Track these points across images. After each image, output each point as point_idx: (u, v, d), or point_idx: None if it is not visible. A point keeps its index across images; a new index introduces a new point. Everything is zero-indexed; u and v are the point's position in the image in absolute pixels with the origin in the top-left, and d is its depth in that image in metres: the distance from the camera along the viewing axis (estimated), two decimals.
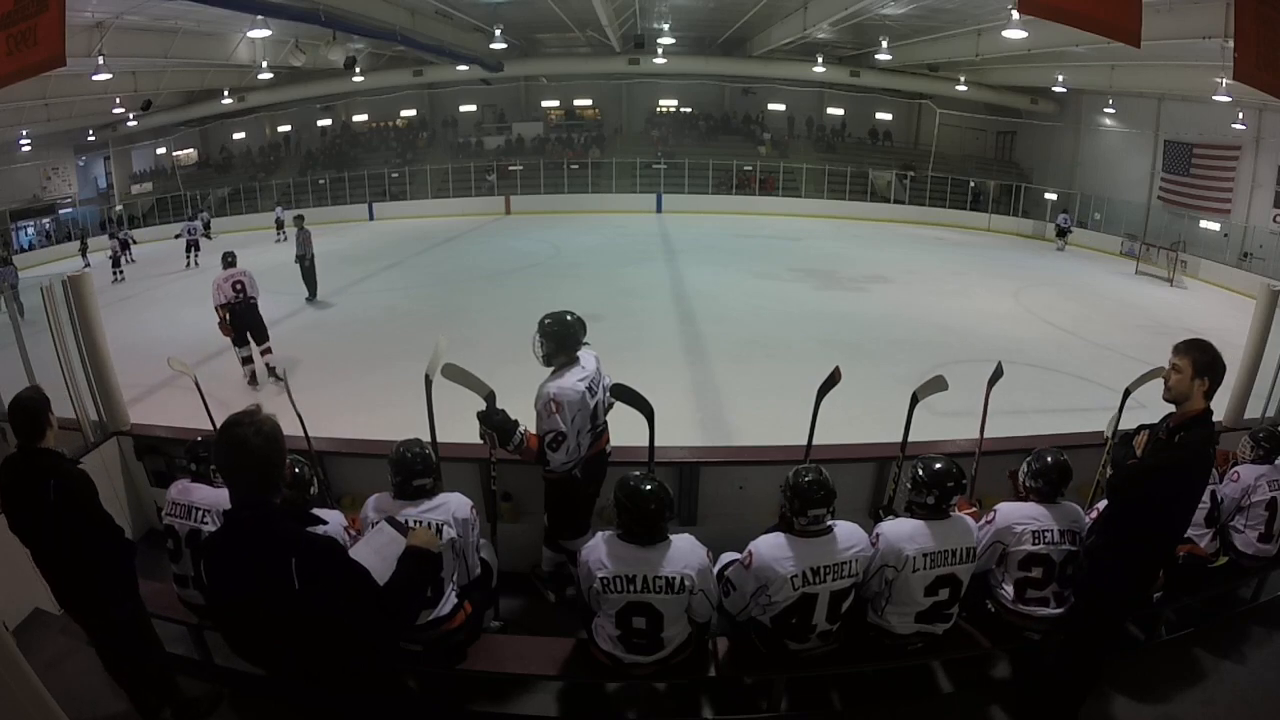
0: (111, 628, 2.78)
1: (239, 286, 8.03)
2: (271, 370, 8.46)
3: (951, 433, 4.23)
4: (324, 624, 1.77)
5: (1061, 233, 20.46)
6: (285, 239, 19.30)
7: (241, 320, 8.07)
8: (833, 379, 3.35)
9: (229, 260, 8.28)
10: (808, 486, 2.59)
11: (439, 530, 2.71)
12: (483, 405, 3.15)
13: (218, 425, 3.56)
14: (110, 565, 2.71)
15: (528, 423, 3.24)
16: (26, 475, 2.58)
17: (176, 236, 18.82)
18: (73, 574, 2.68)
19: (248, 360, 8.31)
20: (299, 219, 13.51)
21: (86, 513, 2.64)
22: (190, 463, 3.12)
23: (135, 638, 2.85)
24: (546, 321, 3.24)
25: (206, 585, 1.85)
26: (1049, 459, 2.93)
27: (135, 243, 19.61)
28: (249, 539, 1.76)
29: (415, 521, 2.71)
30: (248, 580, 1.75)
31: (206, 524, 2.93)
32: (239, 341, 8.19)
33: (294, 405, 3.61)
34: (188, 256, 17.73)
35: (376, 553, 1.96)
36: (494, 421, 3.12)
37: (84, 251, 19.34)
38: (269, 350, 8.47)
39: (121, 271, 17.03)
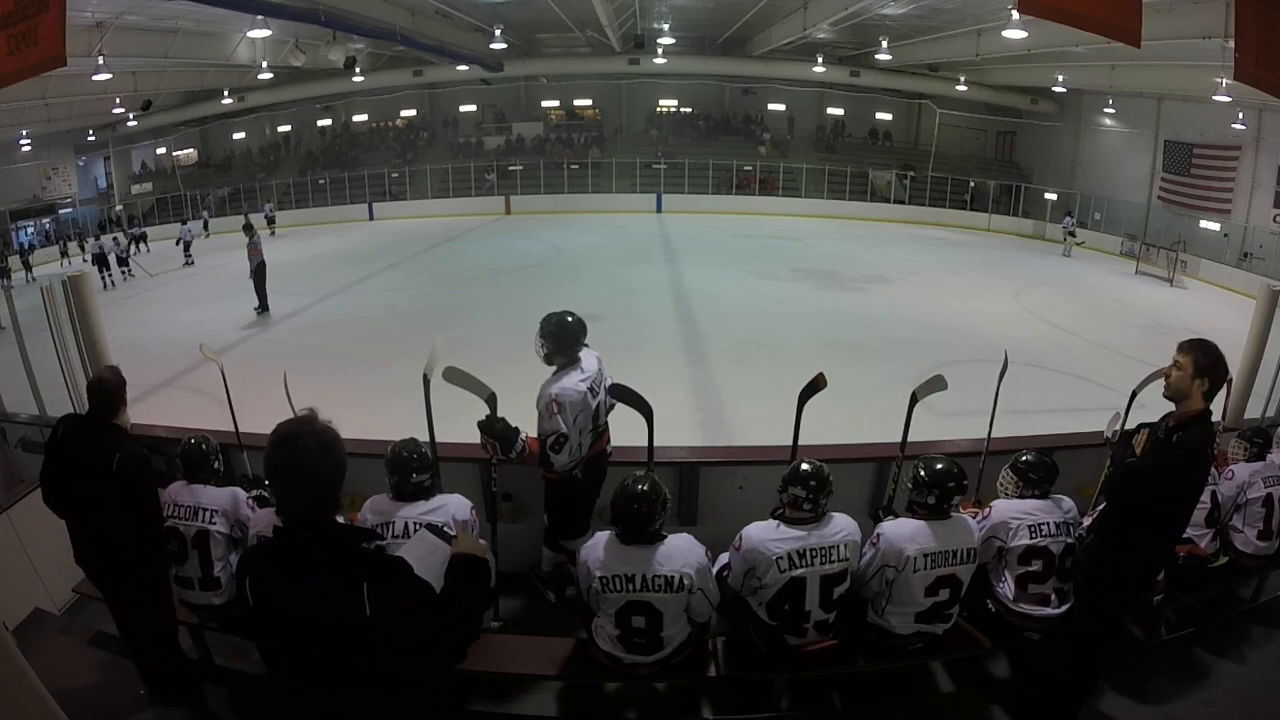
0: (137, 592, 2.86)
1: (103, 247, 17.38)
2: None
3: (952, 433, 4.23)
4: (389, 642, 1.67)
5: (1070, 235, 19.56)
6: (191, 262, 18.79)
7: (101, 263, 16.84)
8: (816, 384, 3.32)
9: (97, 235, 19.47)
10: (808, 475, 2.65)
11: (470, 532, 2.71)
12: (484, 411, 3.14)
13: (237, 419, 3.60)
14: (146, 541, 2.81)
15: (529, 425, 3.24)
16: (93, 444, 2.71)
17: (178, 242, 19.49)
18: (112, 543, 2.77)
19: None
20: (248, 227, 13.43)
21: (141, 492, 2.77)
22: (183, 466, 3.06)
23: (157, 604, 2.91)
24: (547, 321, 3.23)
25: (250, 604, 1.68)
26: (1030, 457, 3.01)
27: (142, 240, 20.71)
28: (312, 558, 1.64)
29: (415, 524, 2.70)
30: (309, 602, 1.62)
31: (216, 525, 2.93)
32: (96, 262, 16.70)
33: (292, 406, 3.59)
34: (186, 255, 19.03)
35: (420, 562, 1.82)
36: (495, 431, 3.10)
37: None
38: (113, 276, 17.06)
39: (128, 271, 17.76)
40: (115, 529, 2.72)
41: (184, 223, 20.59)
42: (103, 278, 16.43)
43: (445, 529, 2.70)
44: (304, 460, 1.62)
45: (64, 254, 20.52)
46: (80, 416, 2.84)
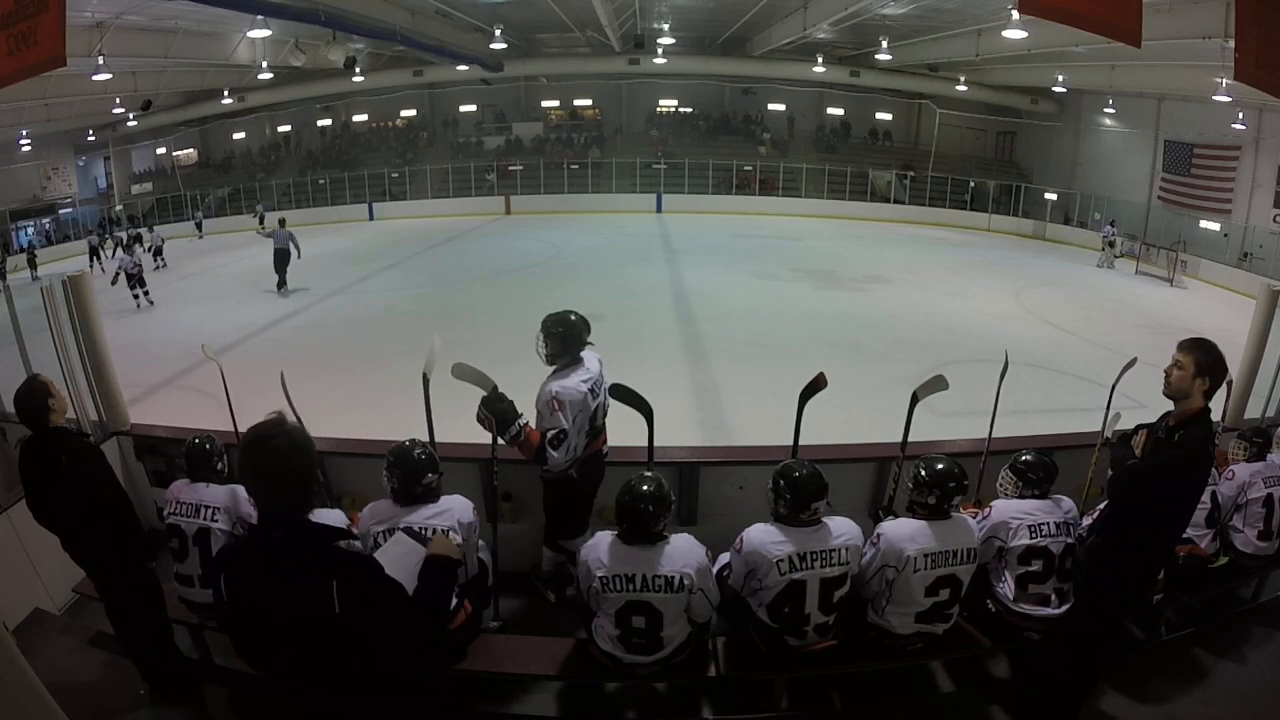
0: (125, 591, 2.87)
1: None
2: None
3: (952, 433, 4.23)
4: (358, 640, 1.70)
5: (1109, 245, 18.00)
6: (162, 265, 18.10)
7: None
8: (817, 384, 3.32)
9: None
10: (801, 480, 2.62)
11: (445, 535, 2.69)
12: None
13: (237, 420, 3.61)
14: (122, 536, 2.80)
15: (528, 421, 3.23)
16: (42, 453, 2.72)
17: (148, 247, 18.72)
18: (90, 544, 2.79)
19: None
20: (281, 221, 14.48)
21: (96, 484, 2.75)
22: (187, 466, 3.07)
23: (147, 601, 2.92)
24: (550, 321, 3.22)
25: (225, 599, 1.72)
26: (1030, 457, 3.01)
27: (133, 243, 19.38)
28: (284, 557, 1.67)
29: (423, 529, 2.68)
30: (281, 599, 1.65)
31: (218, 522, 2.93)
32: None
33: (291, 406, 3.59)
34: (158, 260, 18.27)
35: (395, 563, 1.86)
36: (497, 408, 3.04)
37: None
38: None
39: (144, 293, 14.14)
40: (91, 530, 2.73)
41: (151, 228, 20.79)
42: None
43: (451, 533, 2.69)
44: (278, 460, 1.65)
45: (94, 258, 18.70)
46: (28, 437, 2.81)
